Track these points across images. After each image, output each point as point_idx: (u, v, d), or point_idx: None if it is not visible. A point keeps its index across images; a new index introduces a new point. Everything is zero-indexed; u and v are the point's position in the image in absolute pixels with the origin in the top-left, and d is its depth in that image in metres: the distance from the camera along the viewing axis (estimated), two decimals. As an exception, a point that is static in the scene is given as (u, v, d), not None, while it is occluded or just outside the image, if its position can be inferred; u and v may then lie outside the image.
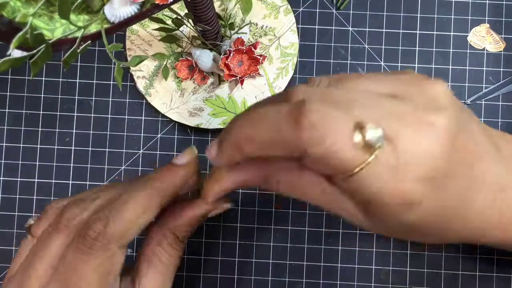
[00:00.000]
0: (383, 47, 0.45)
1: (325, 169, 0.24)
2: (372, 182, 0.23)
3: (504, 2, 0.45)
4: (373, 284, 0.44)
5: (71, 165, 0.45)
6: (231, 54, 0.42)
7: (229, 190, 0.29)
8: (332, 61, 0.45)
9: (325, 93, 0.24)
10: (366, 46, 0.45)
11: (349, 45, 0.45)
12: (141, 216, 0.28)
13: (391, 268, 0.44)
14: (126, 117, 0.45)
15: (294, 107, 0.23)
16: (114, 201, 0.29)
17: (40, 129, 0.45)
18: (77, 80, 0.45)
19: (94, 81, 0.45)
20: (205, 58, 0.43)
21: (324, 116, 0.22)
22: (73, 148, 0.45)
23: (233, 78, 0.43)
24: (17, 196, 0.45)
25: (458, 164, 0.24)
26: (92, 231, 0.27)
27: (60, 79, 0.45)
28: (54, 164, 0.45)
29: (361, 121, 0.22)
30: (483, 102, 0.45)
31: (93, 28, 0.26)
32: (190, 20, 0.38)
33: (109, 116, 0.45)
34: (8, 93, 0.45)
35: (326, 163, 0.23)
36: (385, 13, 0.45)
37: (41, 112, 0.45)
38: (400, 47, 0.45)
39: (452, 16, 0.45)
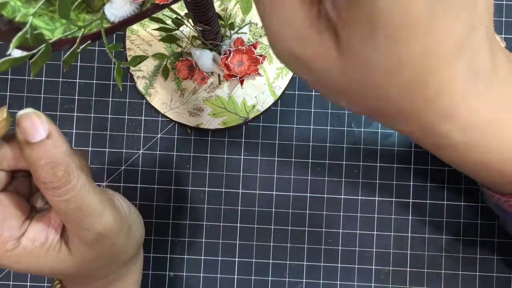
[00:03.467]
0: (383, 47, 0.45)
1: None
2: None
3: (504, 2, 0.45)
4: (373, 284, 0.44)
5: (71, 165, 0.45)
6: (231, 54, 0.42)
7: None
8: (332, 61, 0.45)
9: None
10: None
11: (349, 45, 0.45)
12: None
13: (391, 268, 0.44)
14: (126, 117, 0.45)
15: None
16: None
17: (40, 129, 0.45)
18: (77, 80, 0.45)
19: (94, 81, 0.45)
20: (205, 58, 0.43)
21: None
22: (73, 148, 0.45)
23: (233, 78, 0.43)
24: (17, 196, 0.45)
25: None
26: None
27: (60, 79, 0.45)
28: (54, 164, 0.45)
29: None
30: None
31: (93, 28, 0.26)
32: (190, 20, 0.38)
33: (109, 116, 0.45)
34: (8, 93, 0.45)
35: None
36: (385, 13, 0.45)
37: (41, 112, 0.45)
38: (400, 47, 0.45)
39: (452, 16, 0.45)
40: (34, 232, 0.31)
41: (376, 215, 0.44)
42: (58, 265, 0.31)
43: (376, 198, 0.44)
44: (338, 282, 0.44)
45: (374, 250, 0.44)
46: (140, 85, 0.45)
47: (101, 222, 0.31)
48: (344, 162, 0.45)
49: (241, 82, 0.43)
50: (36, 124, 0.29)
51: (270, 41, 0.22)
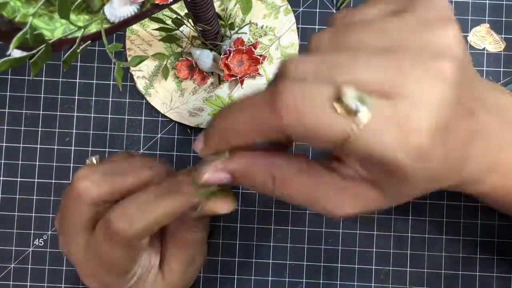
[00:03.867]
0: (383, 47, 0.45)
1: (317, 143, 0.23)
2: (375, 143, 0.22)
3: (504, 2, 0.45)
4: (373, 284, 0.44)
5: (71, 165, 0.45)
6: (231, 54, 0.42)
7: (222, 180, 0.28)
8: (332, 61, 0.45)
9: (312, 67, 0.23)
10: (366, 46, 0.45)
11: (349, 45, 0.45)
12: (163, 222, 0.30)
13: (391, 268, 0.44)
14: (126, 117, 0.45)
15: (269, 91, 0.23)
16: (142, 197, 0.30)
17: (40, 129, 0.45)
18: (77, 80, 0.45)
19: (94, 81, 0.45)
20: (205, 58, 0.43)
21: (300, 94, 0.22)
22: (73, 148, 0.45)
23: (233, 78, 0.43)
24: (17, 196, 0.45)
25: (461, 116, 0.23)
26: (116, 227, 0.29)
27: (60, 79, 0.45)
28: (54, 164, 0.45)
29: (340, 88, 0.21)
30: (483, 102, 0.45)
31: (93, 28, 0.26)
32: (190, 20, 0.38)
33: (109, 116, 0.45)
34: (8, 93, 0.45)
35: (314, 138, 0.22)
36: (385, 13, 0.45)
37: (41, 112, 0.45)
38: (400, 47, 0.45)
39: (452, 16, 0.45)
40: (143, 259, 0.33)
41: (376, 215, 0.44)
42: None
43: (376, 198, 0.44)
44: (338, 282, 0.44)
45: (374, 250, 0.44)
46: (140, 85, 0.45)
47: (202, 256, 0.36)
48: (344, 162, 0.45)
49: (241, 82, 0.43)
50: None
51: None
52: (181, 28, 0.41)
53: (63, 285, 0.44)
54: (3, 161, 0.45)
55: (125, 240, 0.29)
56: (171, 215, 0.30)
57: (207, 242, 0.37)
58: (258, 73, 0.43)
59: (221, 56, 0.42)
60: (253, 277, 0.44)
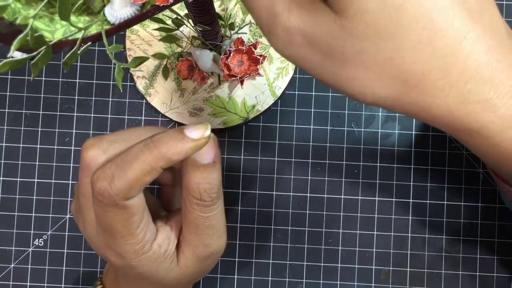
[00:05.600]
0: (383, 47, 0.45)
1: None
2: None
3: (504, 2, 0.45)
4: (373, 284, 0.44)
5: (71, 165, 0.45)
6: (231, 54, 0.42)
7: None
8: (332, 61, 0.45)
9: None
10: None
11: (349, 45, 0.45)
12: (143, 178, 0.29)
13: (391, 268, 0.44)
14: (126, 117, 0.45)
15: None
16: (121, 157, 0.29)
17: (40, 129, 0.45)
18: (77, 80, 0.45)
19: (94, 81, 0.45)
20: (205, 58, 0.42)
21: None
22: (73, 148, 0.45)
23: (233, 78, 0.43)
24: (17, 196, 0.45)
25: None
26: (98, 188, 0.29)
27: (60, 79, 0.45)
28: (54, 164, 0.45)
29: None
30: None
31: (93, 30, 0.26)
32: (190, 20, 0.38)
33: (109, 116, 0.45)
34: (8, 93, 0.45)
35: None
36: (385, 13, 0.45)
37: (41, 112, 0.45)
38: (400, 47, 0.45)
39: (452, 16, 0.45)
40: (161, 239, 0.32)
41: (376, 215, 0.44)
42: (165, 273, 0.33)
43: (376, 198, 0.44)
44: (338, 282, 0.44)
45: (374, 250, 0.44)
46: (140, 85, 0.45)
47: (219, 243, 0.33)
48: (344, 162, 0.45)
49: (241, 82, 0.43)
50: (210, 149, 0.31)
51: (264, 33, 0.23)
52: (181, 28, 0.41)
53: (63, 285, 0.44)
54: (3, 161, 0.45)
55: (109, 201, 0.29)
56: (149, 171, 0.29)
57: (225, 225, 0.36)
58: (258, 73, 0.43)
59: (221, 56, 0.42)
60: (253, 277, 0.44)
